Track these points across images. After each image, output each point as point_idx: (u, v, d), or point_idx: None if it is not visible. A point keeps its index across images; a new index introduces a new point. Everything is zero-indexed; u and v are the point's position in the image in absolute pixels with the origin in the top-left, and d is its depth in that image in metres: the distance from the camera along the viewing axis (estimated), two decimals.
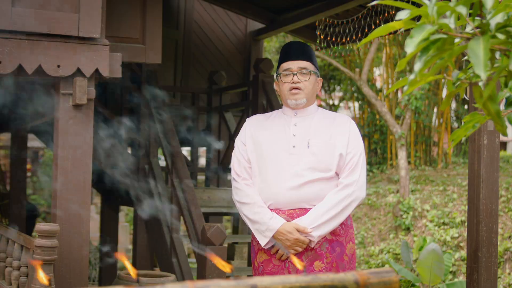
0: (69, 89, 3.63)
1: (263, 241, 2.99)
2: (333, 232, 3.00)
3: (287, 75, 3.06)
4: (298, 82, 3.03)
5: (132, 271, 1.24)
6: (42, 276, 1.19)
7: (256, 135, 3.10)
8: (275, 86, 3.19)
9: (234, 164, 3.12)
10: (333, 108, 15.06)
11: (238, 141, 3.16)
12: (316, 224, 2.93)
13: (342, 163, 3.01)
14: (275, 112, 3.23)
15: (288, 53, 3.10)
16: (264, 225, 2.97)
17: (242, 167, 3.10)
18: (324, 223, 2.93)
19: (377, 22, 5.42)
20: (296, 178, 2.98)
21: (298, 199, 2.98)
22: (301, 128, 3.06)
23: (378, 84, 14.23)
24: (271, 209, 3.02)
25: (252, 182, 3.08)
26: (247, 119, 3.23)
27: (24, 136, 7.85)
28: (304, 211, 2.99)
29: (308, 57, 3.09)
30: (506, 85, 1.47)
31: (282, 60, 3.11)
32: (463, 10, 1.37)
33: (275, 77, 3.17)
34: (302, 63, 3.05)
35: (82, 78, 3.61)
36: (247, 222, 3.06)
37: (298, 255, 2.97)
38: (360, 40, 5.62)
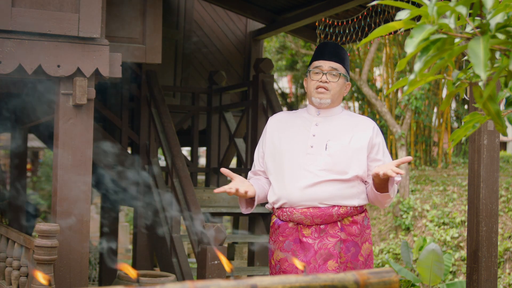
0: (69, 89, 3.63)
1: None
2: (348, 232, 2.98)
3: (317, 73, 3.05)
4: (326, 82, 3.02)
5: (131, 275, 1.23)
6: (41, 277, 1.20)
7: (277, 133, 3.11)
8: (304, 82, 3.18)
9: (254, 163, 3.21)
10: None
11: (260, 141, 3.22)
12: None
13: (368, 166, 3.01)
14: (300, 110, 3.22)
15: (322, 52, 3.09)
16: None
17: (258, 167, 3.19)
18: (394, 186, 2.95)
19: (377, 22, 5.42)
20: (310, 177, 2.96)
21: (311, 197, 2.96)
22: (322, 129, 3.04)
23: (378, 84, 14.23)
24: (284, 208, 3.02)
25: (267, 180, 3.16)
26: (270, 117, 3.24)
27: (24, 136, 7.85)
28: (318, 209, 2.95)
29: (341, 60, 3.07)
30: (506, 85, 1.47)
31: (315, 58, 3.10)
32: (463, 10, 1.37)
33: (306, 73, 3.17)
34: (334, 64, 3.04)
35: (82, 78, 3.61)
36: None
37: (312, 254, 2.94)
38: (360, 40, 5.62)
